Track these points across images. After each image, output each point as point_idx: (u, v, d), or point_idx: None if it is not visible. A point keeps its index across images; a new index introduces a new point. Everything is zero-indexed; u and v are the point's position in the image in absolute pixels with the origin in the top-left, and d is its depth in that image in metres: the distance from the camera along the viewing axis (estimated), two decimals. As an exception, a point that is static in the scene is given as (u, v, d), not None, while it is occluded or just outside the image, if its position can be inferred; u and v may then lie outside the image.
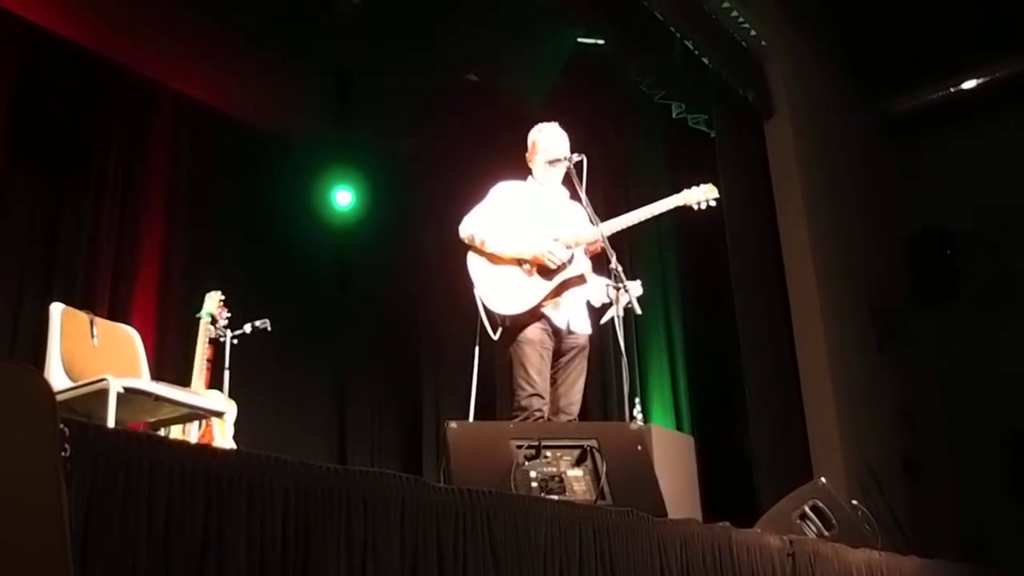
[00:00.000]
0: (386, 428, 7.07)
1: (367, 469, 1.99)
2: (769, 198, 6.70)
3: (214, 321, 4.65)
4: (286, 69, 6.50)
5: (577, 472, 2.90)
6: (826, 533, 3.81)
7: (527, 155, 4.16)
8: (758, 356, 6.06)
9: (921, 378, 7.62)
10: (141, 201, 6.03)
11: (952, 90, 8.02)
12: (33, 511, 1.31)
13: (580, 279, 3.92)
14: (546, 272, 3.87)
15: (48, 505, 1.32)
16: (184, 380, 4.35)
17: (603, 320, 4.04)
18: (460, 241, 3.98)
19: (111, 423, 3.21)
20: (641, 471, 3.02)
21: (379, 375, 7.17)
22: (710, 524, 3.10)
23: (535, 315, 3.84)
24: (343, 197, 7.09)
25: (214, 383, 4.56)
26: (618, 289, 3.75)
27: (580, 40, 6.22)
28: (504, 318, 3.85)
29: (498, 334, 3.87)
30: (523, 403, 3.73)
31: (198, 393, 4.18)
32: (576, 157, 3.96)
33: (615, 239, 3.90)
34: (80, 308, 3.96)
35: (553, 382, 3.88)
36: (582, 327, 3.96)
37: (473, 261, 3.93)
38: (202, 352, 4.45)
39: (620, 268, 3.76)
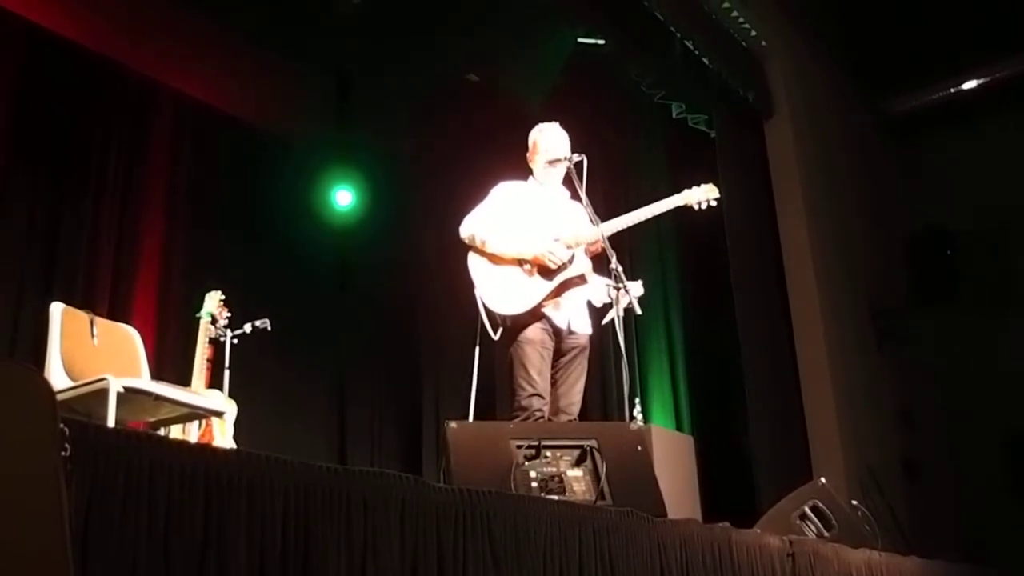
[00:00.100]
0: (386, 428, 7.07)
1: (367, 469, 1.99)
2: (769, 198, 6.70)
3: (214, 321, 4.65)
4: (286, 69, 6.50)
5: (577, 472, 2.90)
6: (826, 533, 3.81)
7: (528, 155, 4.16)
8: (758, 356, 6.05)
9: (921, 378, 7.62)
10: (141, 201, 6.03)
11: (952, 90, 8.02)
12: (33, 511, 1.31)
13: (581, 279, 3.92)
14: (547, 272, 3.87)
15: (48, 505, 1.32)
16: (184, 380, 4.35)
17: (604, 321, 4.04)
18: (460, 241, 3.98)
19: (111, 423, 3.21)
20: (641, 471, 3.02)
21: (379, 375, 7.17)
22: (710, 524, 3.10)
23: (536, 315, 3.84)
24: (343, 197, 7.09)
25: (214, 383, 4.56)
26: (618, 289, 3.75)
27: (580, 40, 6.22)
28: (505, 318, 3.85)
29: (499, 334, 3.87)
30: (523, 403, 3.73)
31: (198, 393, 4.18)
32: (576, 157, 3.96)
33: (615, 239, 3.90)
34: (80, 308, 3.96)
35: (553, 382, 3.88)
36: (583, 327, 3.96)
37: (474, 261, 3.93)
38: (202, 352, 4.45)
39: (620, 268, 3.76)
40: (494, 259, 3.90)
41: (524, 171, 4.16)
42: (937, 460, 7.38)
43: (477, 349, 3.96)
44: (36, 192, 5.49)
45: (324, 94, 6.82)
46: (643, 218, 4.00)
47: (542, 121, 4.20)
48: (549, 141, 4.09)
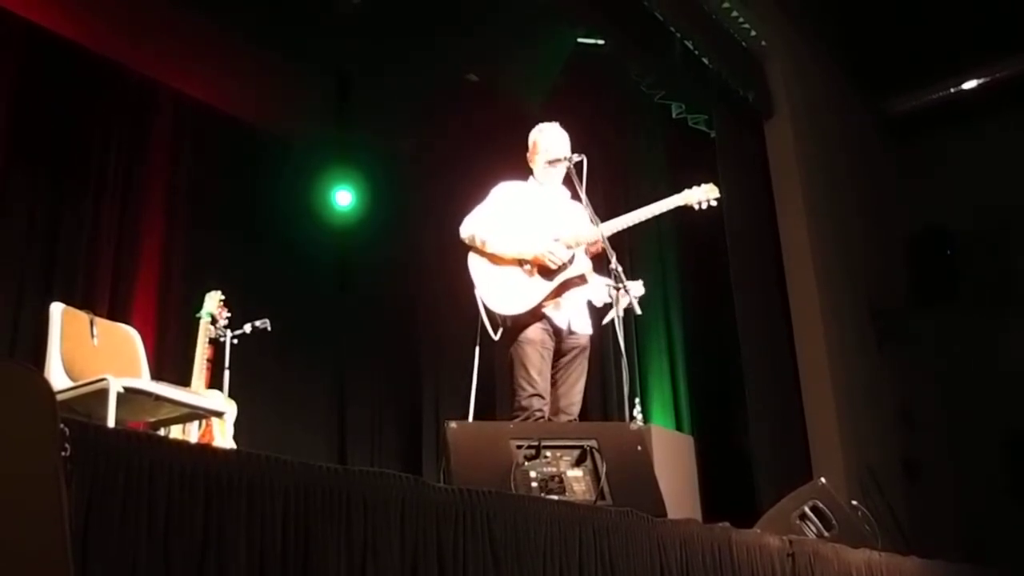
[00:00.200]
0: (386, 428, 7.07)
1: (367, 469, 1.99)
2: (769, 198, 6.70)
3: (214, 321, 4.65)
4: (286, 69, 6.50)
5: (577, 472, 2.90)
6: (826, 533, 3.81)
7: (528, 155, 4.16)
8: (758, 356, 6.05)
9: (921, 378, 7.62)
10: (141, 201, 6.03)
11: (952, 90, 8.02)
12: (33, 511, 1.31)
13: (581, 279, 3.92)
14: (547, 272, 3.87)
15: (48, 505, 1.32)
16: (184, 380, 4.35)
17: (604, 321, 4.04)
18: (460, 241, 3.97)
19: (111, 423, 3.21)
20: (641, 471, 3.02)
21: (379, 375, 7.17)
22: (710, 524, 3.10)
23: (536, 315, 3.84)
24: (343, 197, 7.09)
25: (214, 383, 4.56)
26: (618, 289, 3.75)
27: (580, 40, 6.22)
28: (505, 318, 3.85)
29: (499, 334, 3.87)
30: (524, 403, 3.73)
31: (198, 393, 4.18)
32: (576, 157, 3.95)
33: (615, 239, 3.90)
34: (80, 308, 3.96)
35: (554, 382, 3.88)
36: (583, 327, 3.96)
37: (474, 261, 3.93)
38: (202, 352, 4.45)
39: (620, 268, 3.76)
40: (494, 259, 3.90)
41: (524, 171, 4.16)
42: (937, 460, 7.38)
43: (477, 349, 3.96)
44: (36, 192, 5.49)
45: (324, 94, 6.82)
46: (643, 218, 4.00)
47: (542, 121, 4.20)
48: (549, 141, 4.09)
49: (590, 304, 4.05)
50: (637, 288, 3.86)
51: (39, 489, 1.33)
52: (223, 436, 4.39)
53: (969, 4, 7.14)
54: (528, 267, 3.87)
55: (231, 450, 2.57)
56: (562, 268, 3.87)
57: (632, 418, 4.87)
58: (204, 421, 4.32)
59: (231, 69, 6.42)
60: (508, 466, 2.79)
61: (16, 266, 5.29)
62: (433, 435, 6.81)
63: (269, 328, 4.97)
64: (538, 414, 3.71)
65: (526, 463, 2.85)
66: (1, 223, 5.26)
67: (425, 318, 7.38)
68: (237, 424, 4.50)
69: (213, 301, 4.67)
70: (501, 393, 4.26)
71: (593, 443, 2.95)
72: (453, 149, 7.07)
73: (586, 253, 3.97)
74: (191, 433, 4.33)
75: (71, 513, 1.37)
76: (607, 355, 6.12)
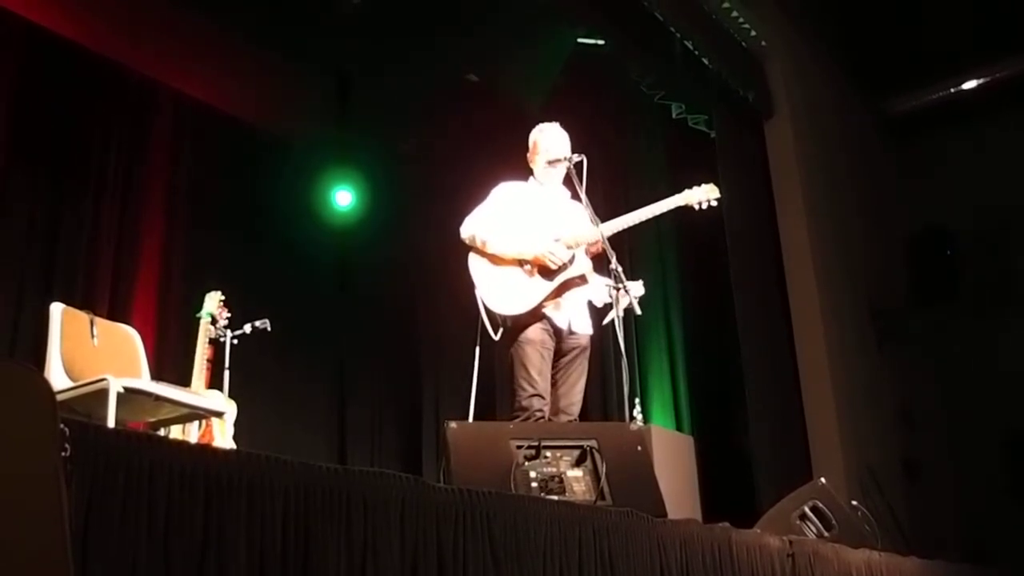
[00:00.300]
0: (386, 428, 7.07)
1: (367, 469, 1.99)
2: (769, 198, 6.70)
3: (214, 321, 4.65)
4: (286, 69, 6.50)
5: (577, 472, 2.90)
6: (826, 534, 3.82)
7: (528, 155, 4.16)
8: (758, 356, 6.05)
9: (921, 378, 7.62)
10: (141, 201, 6.03)
11: (952, 90, 8.02)
12: (33, 511, 1.31)
13: (581, 279, 3.92)
14: (547, 272, 3.87)
15: (48, 505, 1.32)
16: (184, 380, 4.35)
17: (604, 321, 4.04)
18: (461, 241, 3.97)
19: (111, 423, 3.21)
20: (641, 471, 3.02)
21: (379, 375, 7.17)
22: (710, 524, 3.10)
23: (536, 315, 3.84)
24: (343, 197, 7.09)
25: (214, 383, 4.56)
26: (618, 290, 3.75)
27: (580, 40, 6.22)
28: (505, 318, 3.85)
29: (499, 334, 3.87)
30: (524, 403, 3.73)
31: (198, 393, 4.18)
32: (576, 157, 3.95)
33: (615, 239, 3.90)
34: (80, 308, 3.96)
35: (554, 383, 3.88)
36: (583, 327, 3.96)
37: (474, 262, 3.93)
38: (202, 352, 4.45)
39: (620, 268, 3.76)
40: (495, 259, 3.90)
41: (524, 171, 4.16)
42: (937, 460, 7.38)
43: (477, 349, 3.96)
44: (36, 192, 5.48)
45: (324, 94, 6.82)
46: (644, 218, 4.00)
47: (542, 121, 4.20)
48: (549, 141, 4.09)
49: (590, 304, 4.05)
50: (637, 288, 3.86)
51: (39, 489, 1.33)
52: (223, 436, 4.39)
53: (969, 4, 7.14)
54: (528, 267, 3.87)
55: (231, 450, 2.57)
56: (562, 268, 3.87)
57: (632, 418, 4.87)
58: (204, 421, 4.32)
59: (231, 69, 6.42)
60: (508, 466, 2.79)
61: (16, 266, 5.29)
62: (433, 435, 6.81)
63: (269, 328, 4.97)
64: (538, 414, 3.71)
65: (526, 463, 2.85)
66: (1, 223, 5.26)
67: (425, 318, 7.38)
68: (237, 424, 4.50)
69: (213, 301, 4.67)
70: (501, 393, 4.26)
71: (593, 443, 2.95)
72: (453, 149, 7.07)
73: (586, 253, 3.97)
74: (191, 433, 4.33)
75: (71, 513, 1.37)
76: (607, 355, 6.12)
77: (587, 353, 3.98)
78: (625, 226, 3.97)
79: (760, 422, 5.91)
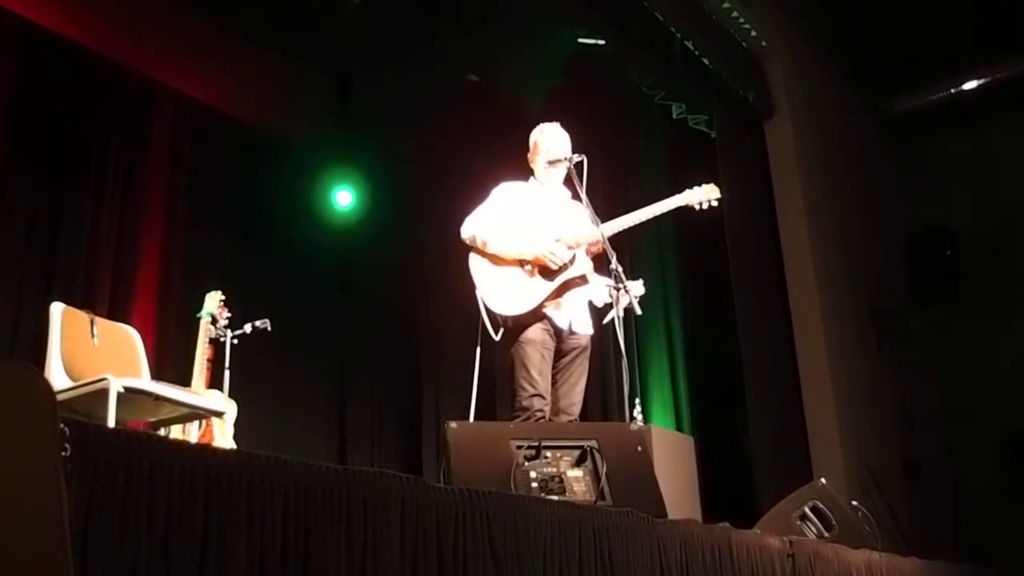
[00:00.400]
0: (386, 428, 7.07)
1: (367, 469, 1.99)
2: (769, 198, 6.70)
3: (214, 321, 4.65)
4: (286, 69, 6.50)
5: (577, 472, 2.90)
6: (826, 534, 3.81)
7: (529, 155, 4.16)
8: (758, 356, 6.05)
9: (921, 378, 7.62)
10: (141, 201, 6.03)
11: (952, 90, 8.02)
12: (33, 511, 1.31)
13: (582, 280, 3.93)
14: (548, 273, 3.87)
15: (48, 505, 1.32)
16: (184, 380, 4.35)
17: (604, 320, 4.04)
18: (461, 241, 3.97)
19: (111, 423, 3.21)
20: (641, 472, 3.02)
21: (379, 375, 7.17)
22: (710, 525, 3.10)
23: (537, 316, 3.84)
24: (343, 197, 7.09)
25: (214, 383, 4.56)
26: (618, 290, 3.75)
27: (580, 40, 6.22)
28: (506, 319, 3.85)
29: (500, 335, 3.87)
30: (524, 403, 3.73)
31: (198, 393, 4.18)
32: (577, 157, 3.96)
33: (615, 239, 3.90)
34: (80, 308, 3.96)
35: (554, 383, 3.88)
36: (584, 327, 3.96)
37: (475, 262, 3.93)
38: (202, 352, 4.45)
39: (620, 269, 3.76)
40: (495, 260, 3.90)
41: (525, 171, 4.16)
42: (937, 460, 7.38)
43: (478, 350, 3.96)
44: (36, 192, 5.48)
45: (324, 94, 6.82)
46: (644, 218, 4.00)
47: (543, 121, 4.20)
48: (550, 141, 4.09)
49: (591, 304, 4.05)
50: (637, 288, 3.86)
51: (39, 489, 1.33)
52: (223, 436, 4.39)
53: (969, 4, 7.14)
54: (529, 267, 3.87)
55: (231, 450, 2.57)
56: (563, 268, 3.87)
57: (632, 418, 4.86)
58: (204, 421, 4.32)
59: (231, 69, 6.42)
60: (508, 466, 2.79)
61: (16, 266, 5.29)
62: (433, 435, 6.81)
63: (269, 328, 4.97)
64: (539, 414, 3.71)
65: (526, 463, 2.85)
66: (1, 223, 5.26)
67: (425, 318, 7.38)
68: (237, 424, 4.50)
69: (213, 301, 4.67)
70: (502, 393, 4.26)
71: (593, 443, 2.95)
72: (453, 149, 7.07)
73: (587, 253, 3.97)
74: (191, 433, 4.32)
75: (71, 513, 1.37)
76: (607, 355, 6.12)
77: (587, 353, 3.98)
78: (626, 226, 3.97)
79: (760, 422, 5.90)
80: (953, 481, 7.45)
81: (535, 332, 3.82)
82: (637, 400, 6.00)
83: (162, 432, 3.88)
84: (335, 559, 1.80)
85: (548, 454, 2.89)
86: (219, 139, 6.49)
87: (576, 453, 2.93)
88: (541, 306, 3.84)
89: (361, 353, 6.99)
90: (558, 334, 3.88)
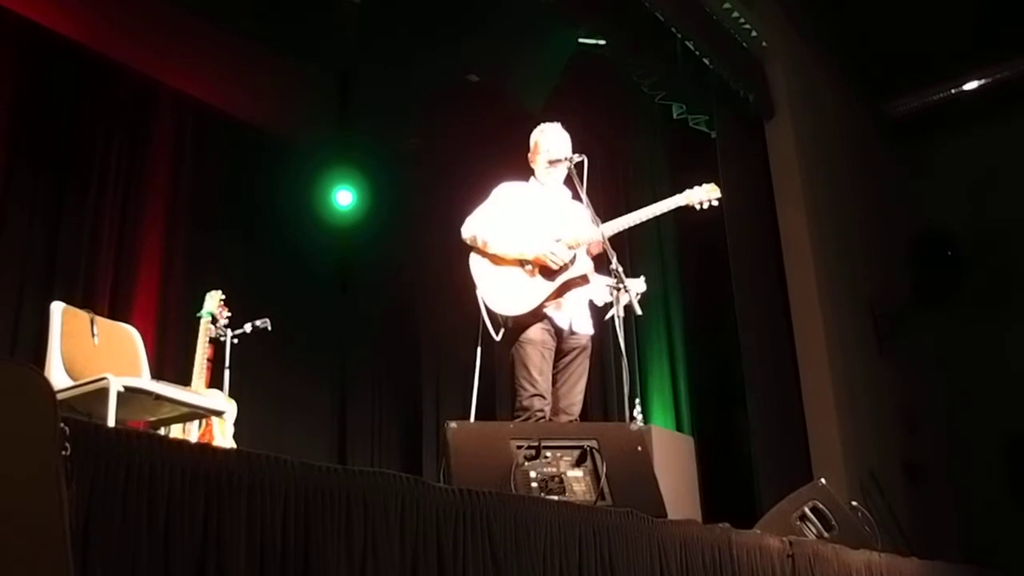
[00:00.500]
0: (386, 428, 7.07)
1: (367, 469, 1.99)
2: (770, 198, 6.70)
3: (214, 320, 4.65)
4: (287, 69, 6.51)
5: (577, 472, 2.89)
6: (826, 534, 3.81)
7: (529, 155, 4.16)
8: (758, 356, 6.05)
9: (922, 379, 7.61)
10: (141, 200, 6.03)
11: (953, 91, 8.01)
12: (33, 511, 1.31)
13: (582, 279, 3.92)
14: (548, 273, 3.87)
15: (48, 504, 1.32)
16: (184, 379, 4.35)
17: (605, 317, 4.03)
18: (462, 241, 3.97)
19: (111, 422, 3.20)
20: (641, 472, 3.02)
21: (379, 375, 7.17)
22: (710, 525, 3.10)
23: (537, 315, 3.84)
24: (344, 197, 7.09)
25: (214, 382, 4.56)
26: (619, 289, 3.75)
27: (581, 41, 6.21)
28: (506, 319, 3.85)
29: (500, 335, 3.87)
30: (525, 403, 3.73)
31: (198, 392, 4.18)
32: (577, 157, 3.96)
33: (615, 239, 3.90)
34: (81, 307, 3.96)
35: (554, 382, 3.88)
36: (584, 327, 3.96)
37: (475, 262, 3.93)
38: (202, 351, 4.45)
39: (620, 268, 3.76)
40: (496, 260, 3.90)
41: (525, 171, 4.16)
42: (937, 461, 7.38)
43: (479, 349, 3.96)
44: (36, 192, 5.49)
45: (325, 94, 6.82)
46: (645, 218, 4.00)
47: (543, 121, 4.20)
48: (550, 141, 4.09)
49: (591, 304, 4.05)
50: (639, 285, 3.86)
51: (39, 488, 1.33)
52: (223, 436, 4.39)
53: (969, 4, 7.14)
54: (529, 267, 3.87)
55: (231, 450, 2.56)
56: (563, 268, 3.87)
57: (632, 418, 4.86)
58: (204, 421, 4.32)
59: (232, 69, 6.42)
60: (508, 466, 2.79)
61: (16, 266, 5.30)
62: (433, 435, 6.81)
63: (269, 328, 4.97)
64: (539, 414, 3.71)
65: (526, 463, 2.84)
66: (2, 223, 5.26)
67: (426, 318, 7.38)
68: (237, 424, 4.50)
69: (213, 301, 4.67)
70: (502, 393, 4.26)
71: (593, 443, 2.95)
72: (454, 149, 7.07)
73: (587, 253, 3.97)
74: (191, 433, 4.32)
75: (71, 513, 1.37)
76: (607, 355, 6.11)
77: (588, 353, 3.98)
78: (626, 226, 3.97)
79: (760, 422, 5.90)
80: (954, 483, 7.44)
81: (536, 332, 3.82)
82: (637, 400, 5.99)
83: (162, 431, 3.88)
84: (335, 559, 1.80)
85: (548, 454, 2.89)
86: (220, 139, 6.51)
87: (576, 453, 2.93)
88: (542, 306, 3.84)
89: (361, 353, 7.00)
90: (558, 334, 3.88)
